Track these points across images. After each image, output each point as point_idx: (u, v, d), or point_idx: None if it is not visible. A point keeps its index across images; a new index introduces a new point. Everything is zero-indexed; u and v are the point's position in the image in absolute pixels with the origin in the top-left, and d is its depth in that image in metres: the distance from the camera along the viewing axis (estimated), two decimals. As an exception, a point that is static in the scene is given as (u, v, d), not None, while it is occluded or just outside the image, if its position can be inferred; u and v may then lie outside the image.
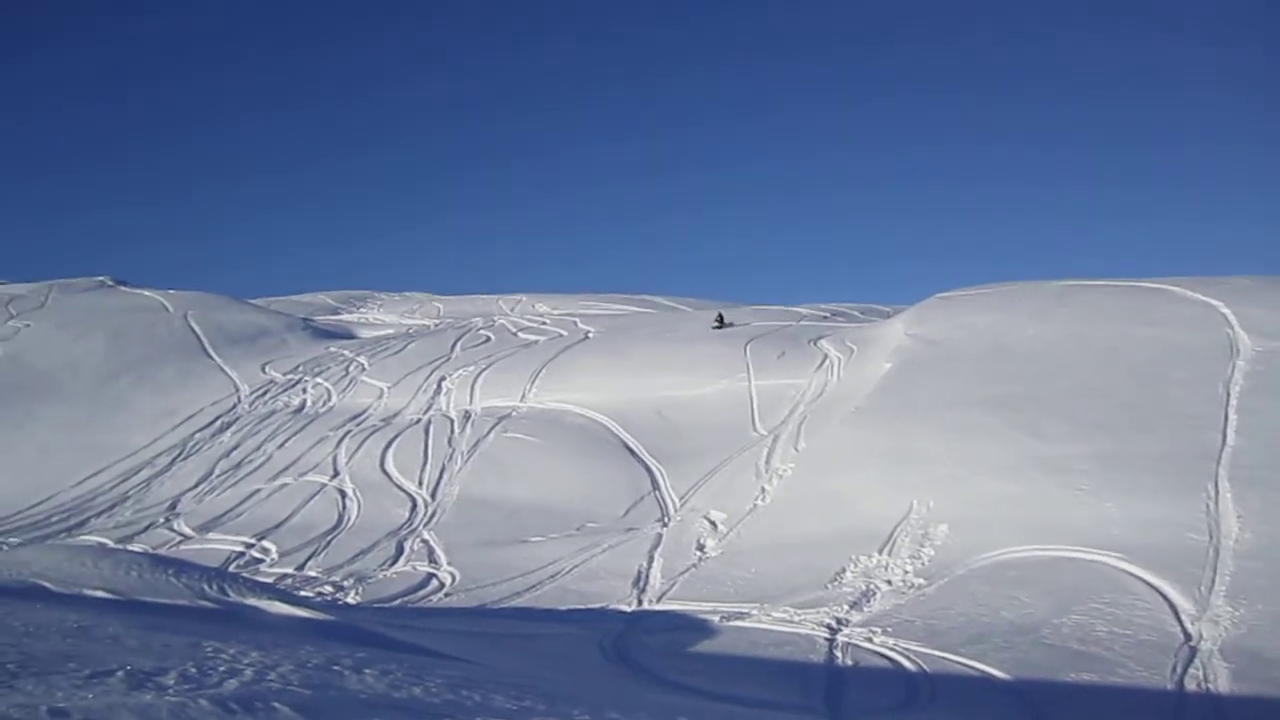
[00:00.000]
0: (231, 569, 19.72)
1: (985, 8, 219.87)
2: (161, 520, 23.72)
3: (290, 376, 35.69)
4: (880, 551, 17.43)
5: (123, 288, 50.90)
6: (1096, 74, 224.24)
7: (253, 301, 52.78)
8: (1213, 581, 14.38)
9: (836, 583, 16.52)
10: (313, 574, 19.81)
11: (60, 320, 42.52)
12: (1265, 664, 12.10)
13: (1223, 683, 11.76)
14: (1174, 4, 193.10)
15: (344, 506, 23.90)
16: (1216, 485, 17.21)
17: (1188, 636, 13.03)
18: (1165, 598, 14.14)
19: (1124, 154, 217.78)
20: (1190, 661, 12.33)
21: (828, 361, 29.63)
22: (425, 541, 21.37)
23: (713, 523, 20.79)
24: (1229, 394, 20.40)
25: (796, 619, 15.06)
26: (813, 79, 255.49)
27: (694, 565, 18.63)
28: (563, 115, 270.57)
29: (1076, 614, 13.96)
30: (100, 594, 11.06)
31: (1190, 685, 11.78)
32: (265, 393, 34.03)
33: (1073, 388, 22.16)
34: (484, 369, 33.59)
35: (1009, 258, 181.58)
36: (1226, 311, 24.24)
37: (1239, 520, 15.97)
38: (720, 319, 26.61)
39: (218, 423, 31.28)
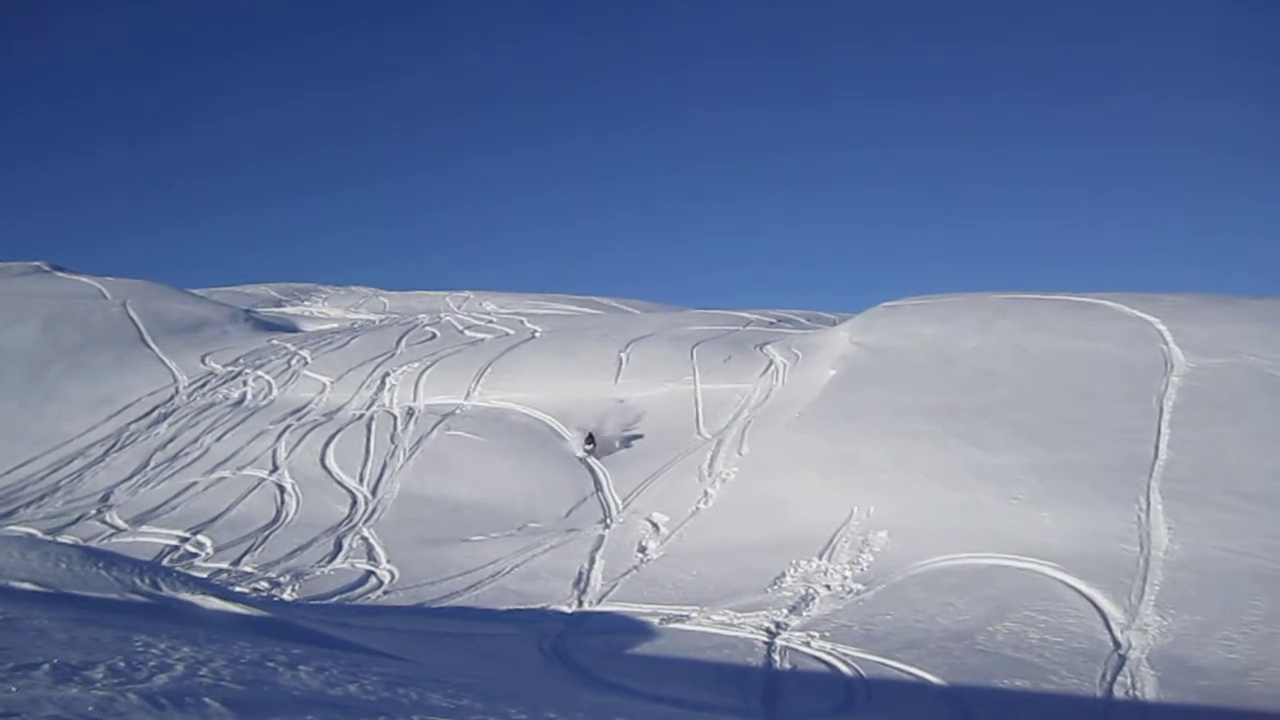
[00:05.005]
0: (165, 563, 19.36)
1: (933, 12, 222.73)
2: (93, 512, 23.22)
3: (230, 368, 35.14)
4: (820, 557, 17.58)
5: (59, 273, 49.73)
6: (1053, 78, 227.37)
7: (194, 291, 51.86)
8: (1142, 591, 14.70)
9: (776, 587, 16.63)
10: (248, 569, 19.51)
11: (-8, 305, 41.44)
12: (1191, 672, 12.39)
13: (1150, 690, 12.03)
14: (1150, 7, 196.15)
15: (282, 502, 23.57)
16: (1148, 497, 17.58)
17: (1117, 644, 13.30)
18: (1096, 606, 14.43)
19: (1077, 160, 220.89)
20: (1119, 669, 12.59)
21: (773, 367, 29.82)
22: (365, 539, 21.15)
23: (655, 525, 20.83)
24: (1162, 408, 20.86)
25: (736, 622, 15.13)
26: (765, 82, 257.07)
27: (635, 567, 18.65)
28: (513, 114, 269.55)
29: (1010, 621, 14.20)
30: (27, 586, 10.78)
31: (1118, 692, 12.03)
32: (204, 384, 33.47)
33: (1012, 399, 22.53)
34: (429, 366, 33.33)
35: (958, 265, 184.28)
36: (1162, 328, 24.78)
37: (1169, 532, 16.33)
38: (590, 440, 25.65)
39: (154, 413, 30.70)
